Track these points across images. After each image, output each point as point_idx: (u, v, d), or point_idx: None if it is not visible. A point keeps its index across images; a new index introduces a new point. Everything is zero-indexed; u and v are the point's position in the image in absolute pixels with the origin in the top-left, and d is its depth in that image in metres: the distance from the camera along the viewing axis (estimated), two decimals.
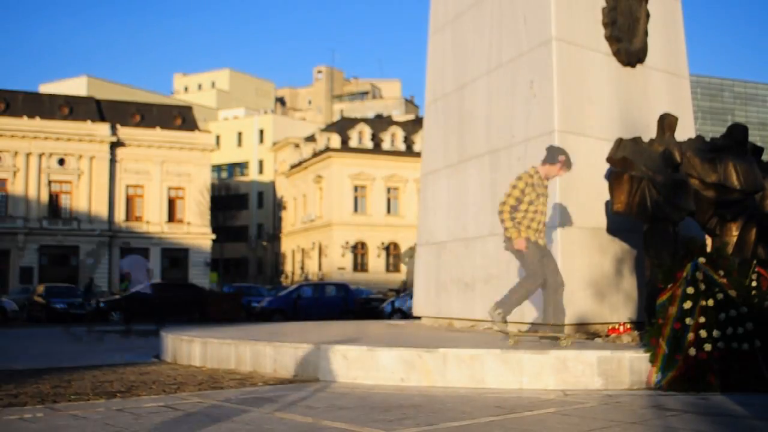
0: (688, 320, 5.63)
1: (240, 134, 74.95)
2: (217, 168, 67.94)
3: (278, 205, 67.61)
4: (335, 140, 56.40)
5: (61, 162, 48.48)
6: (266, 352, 7.01)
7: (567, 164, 6.75)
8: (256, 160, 72.86)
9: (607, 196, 7.78)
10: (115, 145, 49.64)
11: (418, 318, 10.75)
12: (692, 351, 5.52)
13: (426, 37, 11.11)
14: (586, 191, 8.05)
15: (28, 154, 47.39)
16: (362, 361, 6.20)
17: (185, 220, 52.09)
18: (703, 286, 5.76)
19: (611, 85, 8.67)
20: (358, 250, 55.38)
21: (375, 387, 5.88)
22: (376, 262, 55.52)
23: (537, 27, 8.51)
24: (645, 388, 5.69)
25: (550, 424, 4.27)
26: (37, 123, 47.58)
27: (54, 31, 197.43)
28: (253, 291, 33.88)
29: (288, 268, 62.94)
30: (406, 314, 18.78)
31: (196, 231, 52.01)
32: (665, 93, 9.21)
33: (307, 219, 58.67)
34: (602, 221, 8.13)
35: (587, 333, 7.64)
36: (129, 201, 50.90)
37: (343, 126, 59.36)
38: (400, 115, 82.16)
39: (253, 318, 24.37)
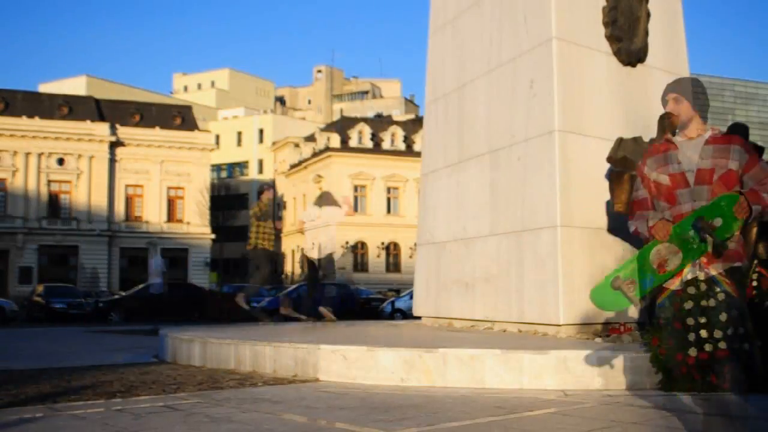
0: (689, 320, 5.62)
1: (240, 134, 75.00)
2: (216, 167, 67.99)
3: (278, 205, 67.62)
4: (335, 140, 56.42)
5: (61, 162, 48.49)
6: (266, 352, 7.00)
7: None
8: (256, 159, 72.91)
9: (607, 196, 7.78)
10: (114, 145, 49.65)
11: (419, 318, 10.74)
12: (693, 351, 5.51)
13: (426, 37, 11.10)
14: (587, 191, 8.04)
15: (27, 154, 47.38)
16: (362, 361, 6.19)
17: (185, 219, 52.09)
18: (704, 286, 5.74)
19: (612, 85, 8.66)
20: (358, 250, 55.38)
21: (375, 387, 5.87)
22: (376, 261, 55.55)
23: (537, 26, 8.50)
24: (646, 388, 5.67)
25: (550, 425, 4.27)
26: (37, 122, 47.58)
27: (53, 30, 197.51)
28: None
29: (288, 268, 62.93)
30: (407, 314, 18.78)
31: (195, 231, 52.01)
32: None
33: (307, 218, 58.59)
34: (603, 221, 8.12)
35: (588, 333, 7.63)
36: (128, 200, 50.93)
37: (342, 125, 59.38)
38: (400, 114, 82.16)
39: (253, 318, 24.30)
